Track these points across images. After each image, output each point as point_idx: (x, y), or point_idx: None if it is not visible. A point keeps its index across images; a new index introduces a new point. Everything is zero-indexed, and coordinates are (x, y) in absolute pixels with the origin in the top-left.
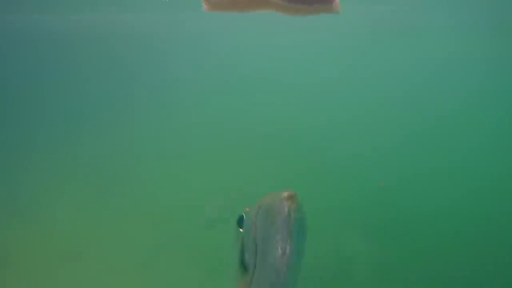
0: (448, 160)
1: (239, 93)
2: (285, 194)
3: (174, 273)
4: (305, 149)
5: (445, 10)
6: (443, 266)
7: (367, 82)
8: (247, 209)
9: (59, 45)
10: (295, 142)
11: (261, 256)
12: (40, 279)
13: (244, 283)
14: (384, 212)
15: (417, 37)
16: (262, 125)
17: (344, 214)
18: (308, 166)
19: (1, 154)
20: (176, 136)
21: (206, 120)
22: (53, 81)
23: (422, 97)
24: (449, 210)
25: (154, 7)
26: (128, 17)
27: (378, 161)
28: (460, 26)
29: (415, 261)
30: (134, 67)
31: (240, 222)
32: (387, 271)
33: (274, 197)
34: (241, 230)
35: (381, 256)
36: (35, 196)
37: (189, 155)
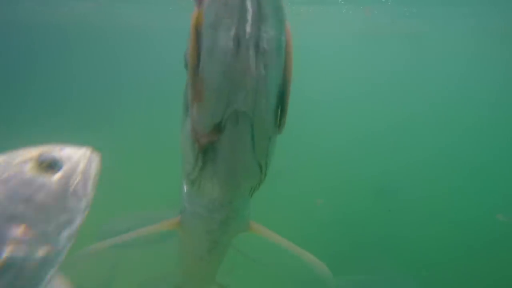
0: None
1: None
2: None
3: None
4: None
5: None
6: None
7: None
8: None
9: (52, 35)
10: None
11: (207, 51)
12: None
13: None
14: None
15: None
16: None
17: None
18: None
19: None
20: (170, 130)
21: None
22: (47, 70)
23: (421, 96)
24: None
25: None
26: (124, 9)
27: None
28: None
29: None
30: (128, 59)
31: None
32: None
33: None
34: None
35: None
36: None
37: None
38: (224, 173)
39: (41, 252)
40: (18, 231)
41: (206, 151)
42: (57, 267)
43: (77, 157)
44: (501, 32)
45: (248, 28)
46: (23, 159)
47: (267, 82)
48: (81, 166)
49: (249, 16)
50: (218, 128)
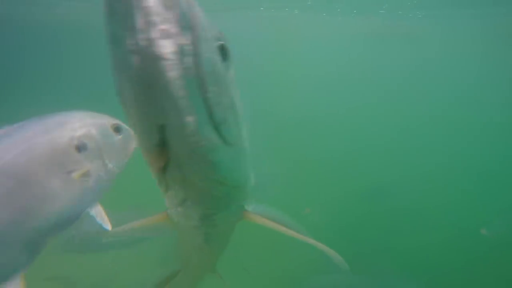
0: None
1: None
2: None
3: None
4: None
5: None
6: None
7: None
8: None
9: (47, 36)
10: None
11: (114, 69)
12: None
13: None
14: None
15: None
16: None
17: None
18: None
19: None
20: None
21: None
22: (43, 72)
23: (416, 95)
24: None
25: None
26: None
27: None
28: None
29: None
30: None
31: None
32: None
33: None
34: None
35: None
36: None
37: None
38: (183, 188)
39: (102, 176)
40: (96, 159)
41: (164, 170)
42: (102, 194)
43: (129, 132)
44: (508, 34)
45: (141, 36)
46: (104, 118)
47: (175, 89)
48: (131, 136)
49: (140, 22)
50: (162, 149)
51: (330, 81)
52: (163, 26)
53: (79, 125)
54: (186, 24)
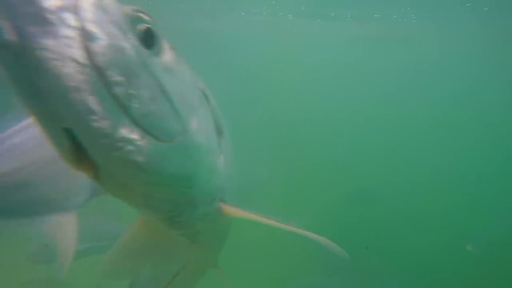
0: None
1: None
2: None
3: None
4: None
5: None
6: None
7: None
8: None
9: None
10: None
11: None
12: None
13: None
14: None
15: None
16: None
17: None
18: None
19: None
20: None
21: None
22: None
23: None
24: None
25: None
26: None
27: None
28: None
29: None
30: None
31: None
32: None
33: None
34: None
35: None
36: None
37: None
38: (129, 195)
39: None
40: None
41: (97, 177)
42: None
43: None
44: (507, 35)
45: (5, 24)
46: None
47: (62, 86)
48: None
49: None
50: (81, 155)
51: (325, 86)
52: (30, 9)
53: None
54: (69, 5)
